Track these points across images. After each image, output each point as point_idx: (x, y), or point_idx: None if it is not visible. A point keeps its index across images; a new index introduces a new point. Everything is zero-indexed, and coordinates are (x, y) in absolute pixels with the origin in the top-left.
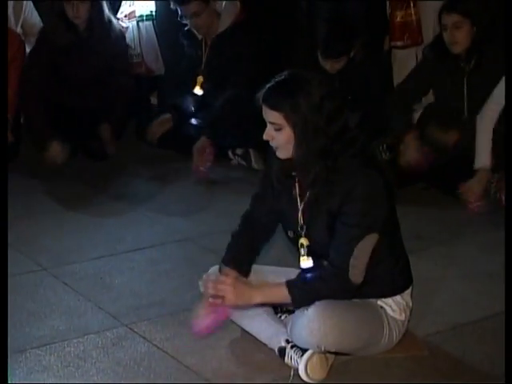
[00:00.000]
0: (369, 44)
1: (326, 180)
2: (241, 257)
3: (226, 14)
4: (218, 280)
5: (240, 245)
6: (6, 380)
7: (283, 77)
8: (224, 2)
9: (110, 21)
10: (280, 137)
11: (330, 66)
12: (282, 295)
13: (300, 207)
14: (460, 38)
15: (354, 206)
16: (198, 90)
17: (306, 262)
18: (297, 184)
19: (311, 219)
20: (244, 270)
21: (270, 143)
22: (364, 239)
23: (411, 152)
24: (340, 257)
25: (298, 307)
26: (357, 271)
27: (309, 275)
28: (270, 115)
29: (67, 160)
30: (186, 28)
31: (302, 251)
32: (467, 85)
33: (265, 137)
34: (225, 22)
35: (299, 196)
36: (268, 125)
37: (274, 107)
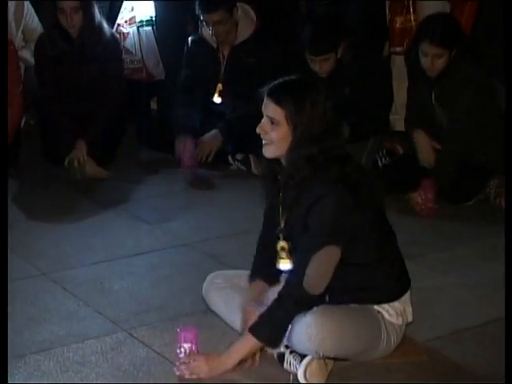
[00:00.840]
0: (361, 48)
1: (306, 187)
2: (265, 268)
3: (243, 23)
4: (190, 364)
5: (260, 260)
6: (6, 380)
7: (294, 78)
8: (239, 12)
9: (100, 27)
10: (274, 133)
11: (319, 66)
12: (252, 345)
13: (281, 211)
14: (439, 66)
15: (316, 218)
16: (216, 99)
17: (285, 264)
18: (281, 188)
19: (289, 223)
20: (269, 279)
21: (262, 137)
22: (321, 251)
23: (425, 156)
24: (296, 268)
25: (274, 344)
26: (312, 282)
27: (265, 309)
28: (272, 109)
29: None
30: (195, 36)
31: (283, 254)
32: (435, 98)
33: (258, 129)
34: (244, 32)
35: (282, 200)
36: (265, 118)
37: (278, 103)
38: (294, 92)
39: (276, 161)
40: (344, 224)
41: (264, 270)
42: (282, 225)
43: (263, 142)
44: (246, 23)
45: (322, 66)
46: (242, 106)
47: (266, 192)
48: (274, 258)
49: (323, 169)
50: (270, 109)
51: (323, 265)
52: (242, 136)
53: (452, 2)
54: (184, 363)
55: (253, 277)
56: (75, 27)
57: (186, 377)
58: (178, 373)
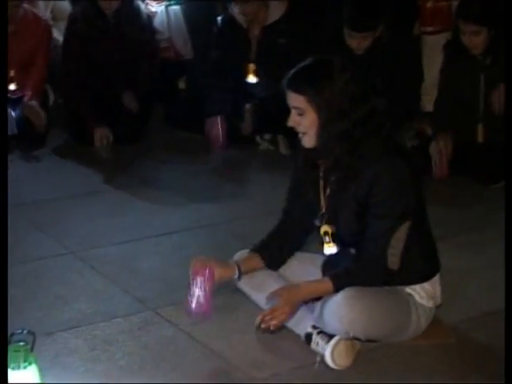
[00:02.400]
0: (395, 27)
1: (348, 165)
2: (270, 248)
3: (274, 4)
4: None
5: (273, 237)
6: (6, 380)
7: (307, 62)
8: None
9: (138, 8)
10: (304, 121)
11: (357, 43)
12: (326, 289)
13: (324, 196)
14: (478, 43)
15: (382, 196)
16: (251, 79)
17: (330, 249)
18: (321, 173)
19: (337, 207)
20: (272, 262)
21: (297, 130)
22: (399, 229)
23: (441, 159)
24: (378, 248)
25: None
26: (395, 259)
27: (348, 264)
28: (294, 99)
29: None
30: (223, 15)
31: (327, 238)
32: (484, 81)
33: (289, 123)
34: (275, 14)
35: (323, 185)
36: (292, 110)
37: (297, 91)
38: (309, 76)
39: (314, 149)
40: (410, 196)
41: (272, 251)
42: (324, 209)
43: (299, 134)
44: (277, 4)
45: (360, 42)
46: (273, 86)
47: (304, 180)
48: (320, 243)
49: (366, 144)
50: (292, 99)
51: (403, 241)
52: (273, 115)
53: None
54: (265, 315)
55: (257, 250)
56: (112, 8)
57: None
58: (263, 326)
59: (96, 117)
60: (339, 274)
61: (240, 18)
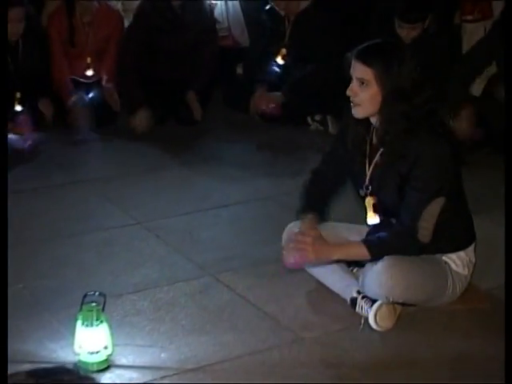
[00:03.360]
0: (441, 18)
1: (400, 143)
2: (315, 203)
3: None
4: (299, 236)
5: (313, 194)
6: (6, 380)
7: (380, 40)
8: None
9: (201, 0)
10: (364, 93)
11: (406, 33)
12: (359, 252)
13: (370, 168)
14: None
15: (423, 171)
16: (280, 60)
17: (373, 219)
18: (368, 146)
19: (381, 179)
20: (320, 213)
21: (352, 100)
22: (432, 203)
23: (465, 128)
24: (410, 219)
25: (375, 260)
26: (426, 232)
27: (383, 233)
28: (361, 70)
29: (152, 126)
30: (268, 6)
31: (370, 209)
32: None
33: (348, 92)
34: (305, 2)
35: (369, 158)
36: (354, 80)
37: (367, 63)
38: (382, 52)
39: (364, 121)
40: (448, 175)
41: (315, 204)
42: (367, 181)
43: (352, 104)
44: None
45: (409, 32)
46: (302, 68)
47: (352, 153)
48: (364, 212)
49: (417, 125)
50: (359, 70)
51: (434, 216)
52: (306, 95)
53: None
54: (292, 248)
55: (303, 209)
56: (180, 0)
57: (295, 260)
58: (286, 260)
59: (142, 99)
60: (373, 240)
61: (276, 6)
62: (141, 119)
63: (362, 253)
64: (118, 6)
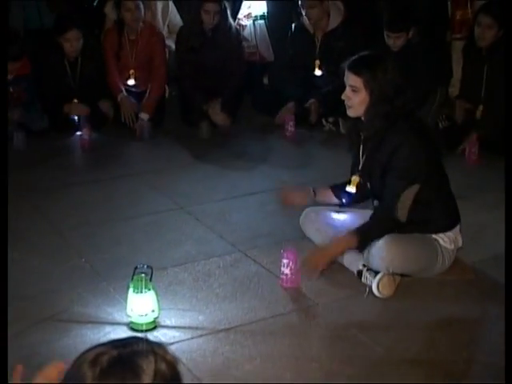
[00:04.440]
0: (425, 32)
1: (382, 138)
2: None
3: (334, 13)
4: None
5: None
6: (6, 380)
7: (367, 53)
8: (330, 4)
9: (230, 25)
10: (355, 98)
11: (393, 42)
12: (351, 245)
13: (362, 158)
14: (488, 36)
15: (400, 162)
16: (317, 72)
17: (351, 189)
18: (362, 140)
19: (369, 168)
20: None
21: (346, 102)
22: (408, 189)
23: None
24: (390, 202)
25: (362, 248)
26: (403, 211)
27: (368, 220)
28: (352, 79)
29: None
30: (296, 24)
31: (352, 183)
32: (486, 72)
33: (343, 96)
34: (334, 21)
35: (362, 150)
36: (347, 88)
37: (357, 73)
38: (368, 63)
39: (358, 120)
40: (423, 166)
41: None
42: (360, 167)
43: (347, 106)
44: (335, 14)
45: (395, 41)
46: (332, 81)
47: (350, 145)
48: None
49: (397, 122)
50: (350, 79)
51: (409, 199)
52: (334, 104)
53: None
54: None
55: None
56: (213, 25)
57: (305, 267)
58: (283, 284)
59: (205, 113)
60: (360, 228)
61: (308, 25)
62: (202, 130)
63: (354, 243)
64: (165, 28)
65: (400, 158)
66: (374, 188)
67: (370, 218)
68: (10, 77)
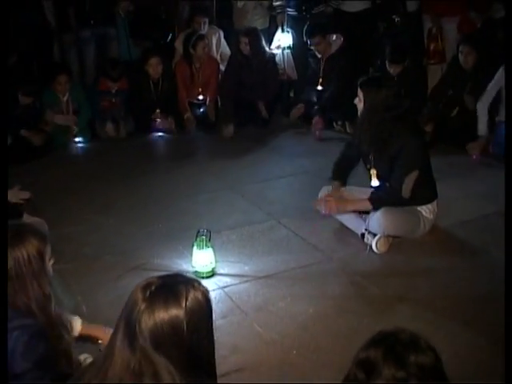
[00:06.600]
0: (415, 60)
1: (382, 140)
2: (340, 174)
3: (334, 43)
4: (327, 197)
5: (339, 168)
6: (6, 380)
7: (375, 75)
8: (332, 36)
9: (264, 50)
10: (360, 104)
11: (393, 69)
12: (365, 205)
13: (371, 154)
14: (470, 61)
15: (405, 155)
16: (319, 87)
17: (375, 182)
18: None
19: (377, 161)
20: (343, 181)
21: (357, 106)
22: (410, 174)
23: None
24: (397, 184)
25: (375, 210)
26: (406, 191)
27: (380, 193)
28: (359, 91)
29: (236, 132)
30: (311, 51)
31: (373, 176)
32: (469, 85)
33: (355, 101)
34: (334, 47)
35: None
36: (358, 95)
37: (360, 88)
38: (369, 82)
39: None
40: (421, 157)
41: (340, 175)
42: (372, 163)
43: (358, 108)
44: (335, 43)
45: (394, 69)
46: (331, 92)
47: (353, 140)
48: (369, 178)
49: (397, 126)
50: (358, 90)
51: (412, 181)
52: (334, 108)
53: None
54: (321, 201)
55: (333, 178)
56: (250, 52)
57: (325, 211)
58: (317, 207)
59: (233, 116)
60: (374, 197)
61: (317, 52)
62: (228, 129)
63: (367, 205)
64: (218, 56)
65: (406, 153)
66: (383, 174)
67: (378, 193)
68: (113, 90)
